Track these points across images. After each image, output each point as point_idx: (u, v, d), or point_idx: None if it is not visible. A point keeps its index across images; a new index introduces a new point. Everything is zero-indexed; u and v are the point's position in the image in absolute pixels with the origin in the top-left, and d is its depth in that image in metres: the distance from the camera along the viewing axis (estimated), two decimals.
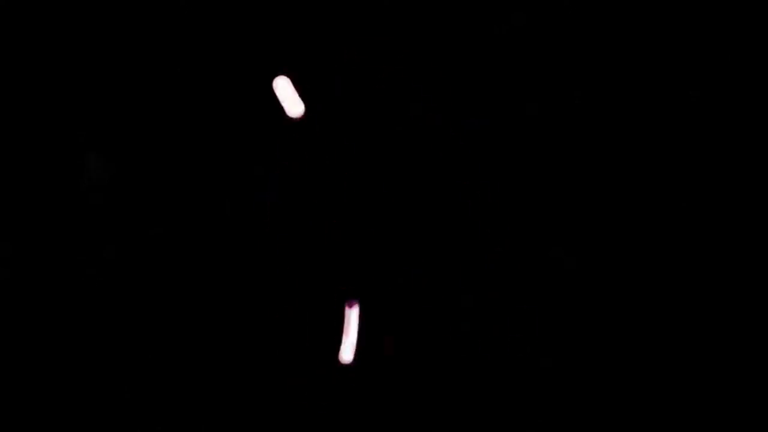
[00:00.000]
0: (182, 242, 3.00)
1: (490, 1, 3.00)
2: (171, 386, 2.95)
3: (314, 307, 2.99)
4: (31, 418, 2.89)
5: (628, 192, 2.97)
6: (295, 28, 3.02)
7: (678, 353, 2.92)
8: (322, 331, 2.98)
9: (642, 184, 2.97)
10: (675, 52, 2.98)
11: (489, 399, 2.93)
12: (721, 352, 2.90)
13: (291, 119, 2.90)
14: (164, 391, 2.94)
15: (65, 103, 3.02)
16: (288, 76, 2.99)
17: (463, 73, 3.02)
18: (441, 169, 3.01)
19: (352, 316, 2.92)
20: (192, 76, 3.03)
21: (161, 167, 3.03)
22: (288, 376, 2.97)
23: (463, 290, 2.97)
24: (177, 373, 2.96)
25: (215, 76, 3.03)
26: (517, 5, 2.99)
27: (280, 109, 2.98)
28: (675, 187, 2.96)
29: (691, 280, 2.93)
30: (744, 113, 2.96)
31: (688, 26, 2.97)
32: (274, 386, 2.96)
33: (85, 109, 3.03)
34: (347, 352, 2.91)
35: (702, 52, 2.97)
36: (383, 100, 3.02)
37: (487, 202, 2.99)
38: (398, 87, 3.02)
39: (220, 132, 3.03)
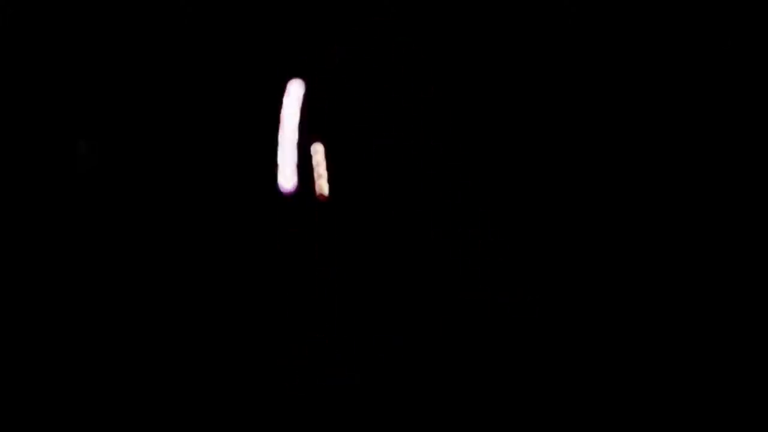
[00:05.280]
0: (182, 241, 3.00)
1: (490, 1, 3.00)
2: (170, 386, 2.94)
3: (311, 307, 2.99)
4: (31, 418, 2.89)
5: (628, 193, 2.98)
6: (288, 23, 3.03)
7: (673, 357, 2.92)
8: (320, 331, 2.98)
9: (642, 184, 2.97)
10: (675, 52, 2.98)
11: (483, 400, 2.93)
12: (719, 354, 2.91)
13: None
14: (164, 391, 2.94)
15: (61, 99, 3.02)
16: (283, 71, 3.00)
17: (462, 73, 3.02)
18: (440, 170, 3.01)
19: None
20: (190, 73, 3.03)
21: (157, 163, 3.03)
22: (286, 376, 2.97)
23: (458, 290, 2.98)
24: (176, 370, 2.95)
25: (213, 74, 3.04)
26: (517, 5, 2.99)
27: (273, 101, 2.99)
28: (675, 188, 2.97)
29: (690, 282, 2.94)
30: (744, 113, 2.96)
31: (688, 26, 2.97)
32: (271, 387, 2.96)
33: (81, 105, 3.03)
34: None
35: (702, 52, 2.97)
36: (382, 100, 3.02)
37: (485, 202, 2.99)
38: (397, 87, 3.02)
39: (219, 131, 3.04)
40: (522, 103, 3.01)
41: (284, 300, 2.99)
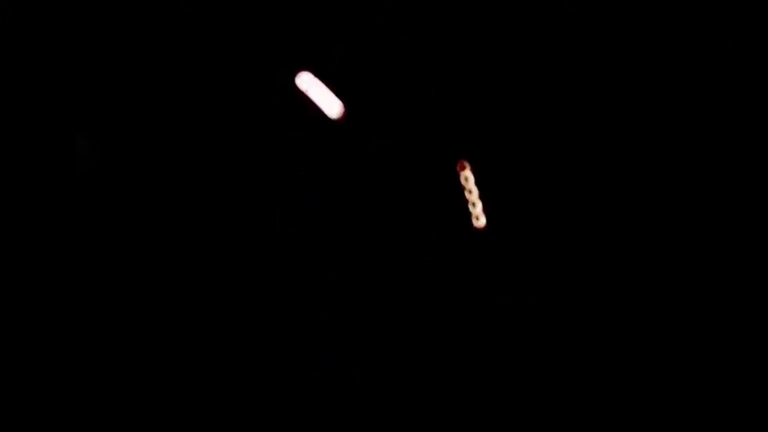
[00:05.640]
0: (182, 241, 3.00)
1: (493, 1, 3.00)
2: (170, 386, 2.94)
3: (311, 307, 2.99)
4: (31, 418, 2.89)
5: (627, 193, 2.98)
6: (288, 23, 3.03)
7: (673, 357, 2.92)
8: (320, 331, 2.98)
9: (642, 185, 2.97)
10: (675, 52, 2.98)
11: (483, 400, 2.94)
12: (719, 355, 2.91)
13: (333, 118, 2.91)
14: (164, 390, 2.94)
15: (61, 99, 3.02)
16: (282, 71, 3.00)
17: (462, 73, 3.02)
18: (440, 169, 3.01)
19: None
20: (190, 73, 3.03)
21: (157, 163, 3.03)
22: (286, 376, 2.97)
23: (458, 290, 2.98)
24: (176, 370, 2.96)
25: (213, 74, 3.03)
26: (517, 5, 2.99)
27: (271, 96, 2.99)
28: (674, 188, 2.97)
29: (690, 282, 2.94)
30: (744, 113, 2.96)
31: (688, 26, 2.97)
32: (271, 387, 2.96)
33: (80, 105, 3.03)
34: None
35: (702, 52, 2.97)
36: (382, 100, 3.02)
37: (485, 202, 2.99)
38: (397, 87, 3.02)
39: (219, 131, 3.03)
40: (522, 103, 3.01)
41: (284, 300, 3.00)
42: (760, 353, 2.89)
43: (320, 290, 2.99)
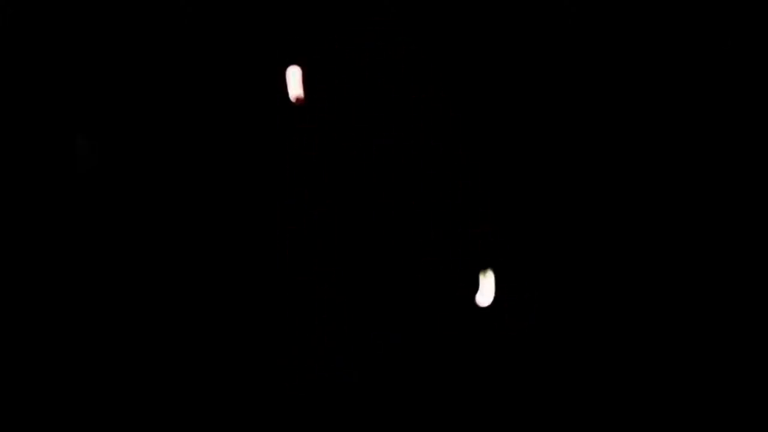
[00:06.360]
0: (182, 241, 3.00)
1: (493, 1, 3.00)
2: (170, 386, 2.94)
3: (311, 306, 2.99)
4: (31, 418, 2.89)
5: (626, 193, 2.98)
6: (288, 23, 3.03)
7: (672, 356, 2.93)
8: (319, 329, 2.98)
9: (641, 185, 2.98)
10: (675, 52, 2.98)
11: (481, 399, 2.94)
12: (719, 355, 2.91)
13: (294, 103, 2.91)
14: (164, 391, 2.94)
15: (61, 99, 3.02)
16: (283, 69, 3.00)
17: (462, 73, 3.02)
18: (440, 170, 3.01)
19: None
20: (190, 72, 3.03)
21: (157, 163, 3.03)
22: (286, 376, 2.97)
23: (457, 289, 2.98)
24: (176, 370, 2.95)
25: (213, 73, 3.03)
26: (517, 5, 3.00)
27: (270, 96, 2.99)
28: (674, 188, 2.97)
29: (689, 282, 2.94)
30: (744, 113, 2.96)
31: (688, 27, 2.98)
32: (271, 387, 2.96)
33: (80, 106, 3.03)
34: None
35: (702, 53, 2.97)
36: (382, 100, 3.02)
37: (485, 202, 3.00)
38: (397, 87, 3.02)
39: (219, 130, 3.03)
40: (521, 103, 3.02)
41: (284, 299, 3.00)
42: (760, 353, 2.90)
43: (319, 289, 2.99)
